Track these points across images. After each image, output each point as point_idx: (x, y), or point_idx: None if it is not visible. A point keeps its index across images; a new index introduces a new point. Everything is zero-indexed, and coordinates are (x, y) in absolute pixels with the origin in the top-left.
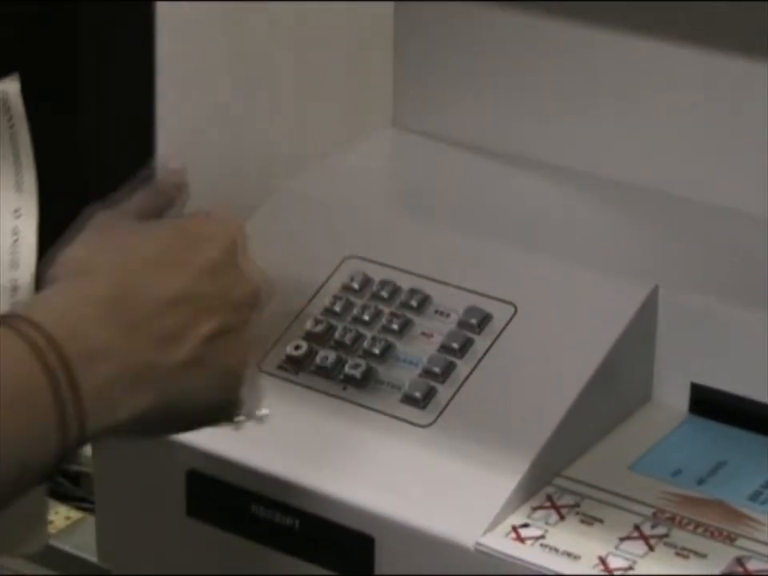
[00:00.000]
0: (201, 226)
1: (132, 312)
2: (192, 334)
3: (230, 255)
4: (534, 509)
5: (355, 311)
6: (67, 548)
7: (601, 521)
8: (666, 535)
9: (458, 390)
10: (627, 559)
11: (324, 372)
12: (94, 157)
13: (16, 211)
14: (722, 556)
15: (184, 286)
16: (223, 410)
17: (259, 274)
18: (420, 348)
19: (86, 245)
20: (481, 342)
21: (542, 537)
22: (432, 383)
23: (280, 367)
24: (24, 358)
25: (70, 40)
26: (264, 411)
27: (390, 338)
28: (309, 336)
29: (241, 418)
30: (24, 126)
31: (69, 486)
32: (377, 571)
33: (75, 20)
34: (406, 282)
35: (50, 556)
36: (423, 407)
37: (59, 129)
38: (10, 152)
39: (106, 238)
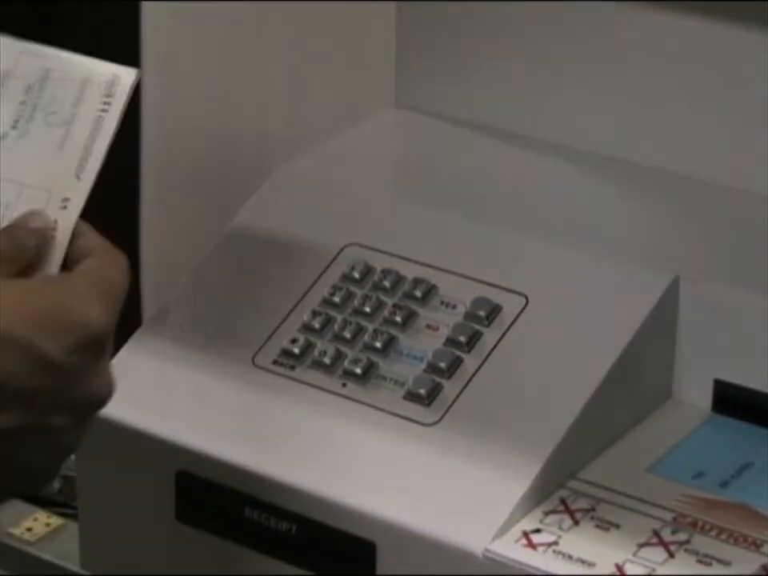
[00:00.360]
0: (69, 308)
1: None
2: None
3: (78, 358)
4: (547, 513)
5: (356, 302)
6: (47, 557)
7: (617, 526)
8: (687, 541)
9: (465, 386)
10: (646, 566)
11: (322, 367)
12: None
13: (64, 200)
14: (747, 563)
15: (3, 372)
16: (14, 493)
17: (106, 383)
18: (425, 342)
19: None
20: (490, 336)
21: (555, 543)
22: (437, 379)
23: (275, 362)
24: None
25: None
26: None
27: (393, 331)
28: (306, 328)
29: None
30: (116, 117)
31: (49, 490)
32: None
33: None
34: (409, 272)
35: (30, 565)
36: (428, 405)
37: None
38: (87, 132)
39: None
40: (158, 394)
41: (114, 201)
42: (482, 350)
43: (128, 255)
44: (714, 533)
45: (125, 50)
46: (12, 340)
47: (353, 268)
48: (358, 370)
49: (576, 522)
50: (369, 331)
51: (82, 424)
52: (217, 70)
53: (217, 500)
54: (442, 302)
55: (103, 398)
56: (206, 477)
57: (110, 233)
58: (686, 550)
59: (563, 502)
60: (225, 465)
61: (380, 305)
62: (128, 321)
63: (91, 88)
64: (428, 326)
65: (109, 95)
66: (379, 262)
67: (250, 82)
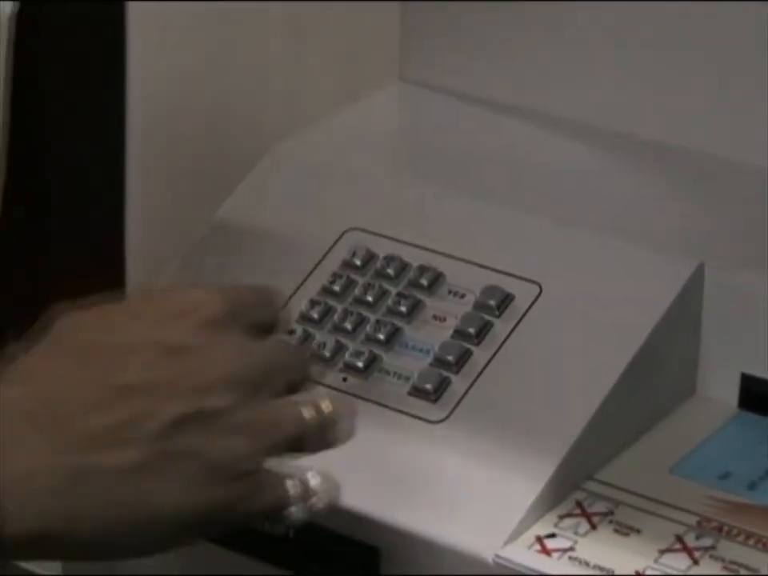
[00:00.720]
0: (177, 302)
1: (57, 411)
2: (142, 431)
3: (204, 331)
4: (562, 517)
5: (357, 291)
6: (25, 563)
7: (638, 531)
8: (713, 547)
9: (474, 381)
10: (668, 574)
11: (321, 360)
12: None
13: None
14: None
15: (136, 373)
16: (222, 512)
17: (248, 352)
18: (431, 333)
19: (42, 356)
20: (501, 327)
21: (571, 549)
22: (445, 373)
23: None
24: None
25: None
26: (321, 502)
27: (397, 322)
28: (304, 319)
29: (279, 518)
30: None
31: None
32: None
33: None
34: (415, 258)
35: (8, 572)
36: (435, 401)
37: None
38: None
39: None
40: None
41: (97, 184)
42: (493, 343)
43: (111, 244)
44: (741, 538)
45: (109, 19)
46: (142, 346)
47: (354, 254)
48: (360, 364)
49: (593, 527)
50: (371, 322)
51: (243, 399)
52: (209, 44)
53: None
54: (450, 291)
55: (253, 368)
56: None
57: (93, 218)
58: (711, 557)
59: (579, 504)
60: None
61: (383, 294)
62: None
63: None
64: (434, 317)
65: None
66: (382, 248)
67: (245, 56)
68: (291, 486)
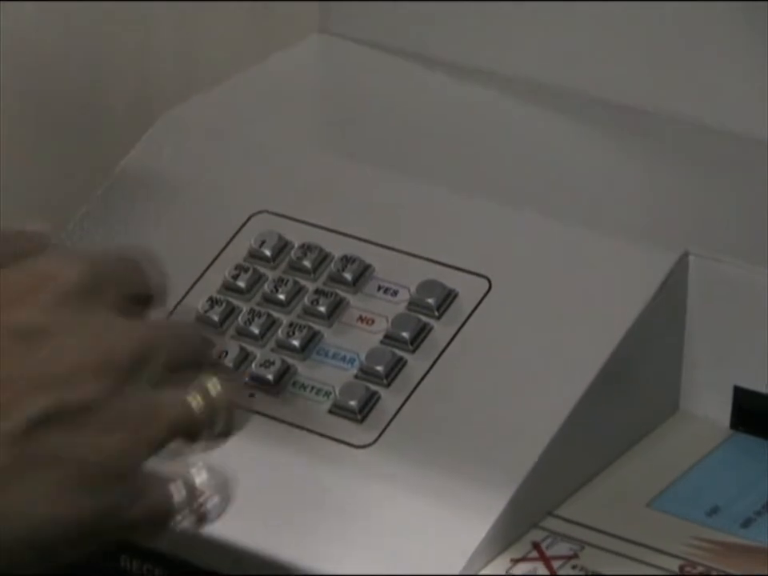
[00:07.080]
0: (28, 273)
1: None
2: None
3: (62, 308)
4: (515, 561)
5: (266, 287)
6: None
7: None
8: None
9: (408, 396)
10: None
11: (223, 372)
12: None
13: None
14: None
15: None
16: (93, 527)
17: (116, 331)
18: (356, 339)
19: None
20: (441, 331)
21: None
22: (373, 387)
23: None
24: None
25: None
26: (212, 504)
27: (315, 325)
28: (201, 321)
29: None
30: None
31: None
32: None
33: None
34: (337, 247)
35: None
36: (361, 420)
37: None
38: None
39: None
40: None
41: None
42: (432, 350)
43: None
44: None
45: None
46: None
47: (263, 242)
48: (270, 376)
49: (553, 573)
50: (283, 325)
51: (117, 386)
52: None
53: None
54: (380, 287)
55: (133, 347)
56: None
57: None
58: None
59: (537, 546)
60: None
61: (298, 291)
62: None
63: None
64: (361, 319)
65: None
66: (297, 235)
67: (132, 5)
68: (175, 490)
